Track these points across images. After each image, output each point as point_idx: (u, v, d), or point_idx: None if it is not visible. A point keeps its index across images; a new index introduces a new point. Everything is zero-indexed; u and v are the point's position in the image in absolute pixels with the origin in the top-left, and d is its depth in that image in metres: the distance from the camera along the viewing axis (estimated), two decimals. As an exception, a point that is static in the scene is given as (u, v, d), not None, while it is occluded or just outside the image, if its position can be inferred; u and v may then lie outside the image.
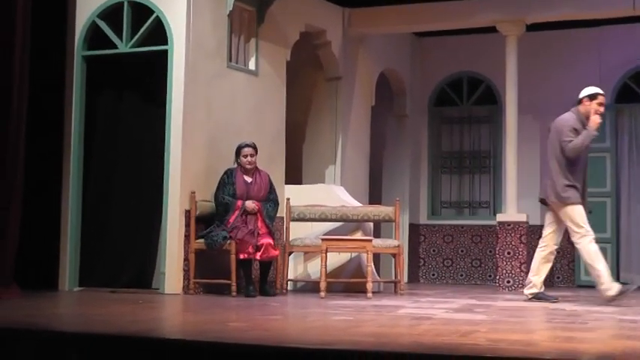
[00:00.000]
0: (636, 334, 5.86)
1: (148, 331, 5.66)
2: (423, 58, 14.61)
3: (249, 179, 9.87)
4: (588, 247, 9.09)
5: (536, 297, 9.38)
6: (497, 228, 12.11)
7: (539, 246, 9.55)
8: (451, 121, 14.65)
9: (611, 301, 8.87)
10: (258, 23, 10.88)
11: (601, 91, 9.51)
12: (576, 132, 9.25)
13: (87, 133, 10.21)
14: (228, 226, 9.58)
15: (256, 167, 9.98)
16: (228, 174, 9.85)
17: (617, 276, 13.47)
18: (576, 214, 9.14)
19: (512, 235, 12.00)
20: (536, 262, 9.50)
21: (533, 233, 13.31)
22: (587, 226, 9.14)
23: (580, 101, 9.47)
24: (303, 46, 11.97)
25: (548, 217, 9.50)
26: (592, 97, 9.40)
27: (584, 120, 9.32)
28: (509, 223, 12.04)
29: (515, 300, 9.65)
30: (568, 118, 9.42)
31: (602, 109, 9.38)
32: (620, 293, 8.90)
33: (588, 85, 12.99)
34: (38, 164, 9.75)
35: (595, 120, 9.23)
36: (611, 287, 8.97)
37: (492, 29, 12.53)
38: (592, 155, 13.55)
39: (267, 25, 10.98)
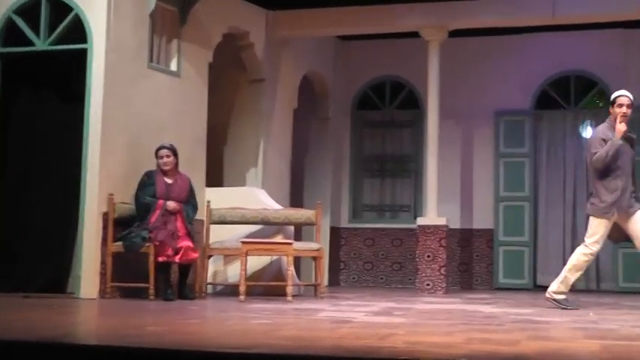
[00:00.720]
0: (550, 335, 5.94)
1: (61, 337, 5.57)
2: (346, 61, 14.66)
3: (169, 181, 9.81)
4: (581, 257, 8.98)
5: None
6: (418, 231, 12.19)
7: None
8: (373, 125, 14.72)
9: (549, 300, 8.91)
10: (181, 24, 10.83)
11: (621, 93, 8.96)
12: (605, 142, 8.77)
13: (2, 132, 10.06)
14: (149, 225, 9.51)
15: (177, 170, 9.92)
16: (149, 175, 9.78)
17: (534, 279, 13.69)
18: (593, 226, 8.93)
19: (432, 238, 12.10)
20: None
21: (453, 237, 13.47)
22: (597, 243, 8.90)
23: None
24: (226, 47, 11.95)
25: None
26: (612, 101, 8.96)
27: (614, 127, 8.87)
28: (429, 227, 12.13)
29: (434, 303, 9.71)
30: (599, 129, 9.02)
31: (624, 110, 8.79)
32: (561, 304, 8.89)
33: (509, 92, 13.24)
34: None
35: (619, 128, 8.74)
36: (563, 294, 8.97)
37: (415, 34, 12.63)
38: (511, 160, 13.85)
39: (190, 25, 10.93)
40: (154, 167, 9.87)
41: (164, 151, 9.84)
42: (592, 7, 11.95)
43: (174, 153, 9.88)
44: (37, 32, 9.94)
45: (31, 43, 9.98)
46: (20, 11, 10.00)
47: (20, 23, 9.99)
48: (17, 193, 10.03)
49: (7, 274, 9.79)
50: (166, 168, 9.80)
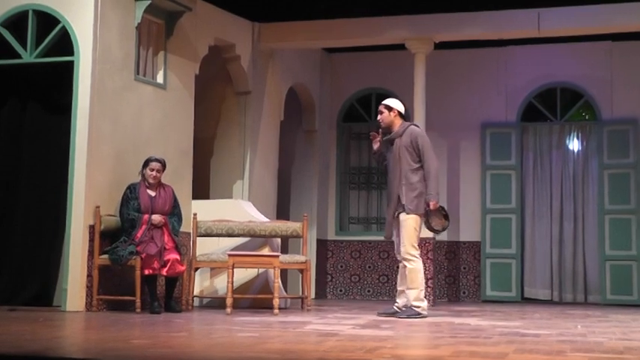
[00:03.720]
0: (538, 348, 5.94)
1: (46, 350, 5.55)
2: (332, 73, 14.69)
3: (152, 193, 9.80)
4: None
5: None
6: (405, 244, 12.16)
7: None
8: (360, 137, 14.73)
9: None
10: (167, 36, 10.83)
11: None
12: None
13: (-11, 145, 10.06)
14: (136, 240, 9.50)
15: (160, 182, 9.91)
16: (132, 189, 9.76)
17: (521, 291, 13.71)
18: None
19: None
20: None
21: (440, 249, 13.48)
22: None
23: None
24: (212, 60, 11.95)
25: None
26: None
27: None
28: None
29: (421, 316, 9.70)
30: None
31: None
32: None
33: (495, 104, 13.21)
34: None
35: None
36: None
37: (401, 47, 12.67)
38: (498, 173, 13.88)
39: (176, 38, 10.93)
40: (137, 177, 9.87)
41: (155, 164, 9.83)
42: (577, 20, 12.00)
43: (164, 167, 9.89)
44: (24, 45, 9.91)
45: (18, 56, 9.95)
46: (7, 24, 9.98)
47: (7, 36, 9.97)
48: (2, 205, 10.00)
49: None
50: (153, 181, 9.80)
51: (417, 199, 9.25)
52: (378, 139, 9.61)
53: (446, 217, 9.43)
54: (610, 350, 5.90)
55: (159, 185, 9.89)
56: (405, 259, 9.27)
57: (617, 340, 6.72)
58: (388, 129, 9.54)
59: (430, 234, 12.08)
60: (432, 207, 9.24)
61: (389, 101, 9.64)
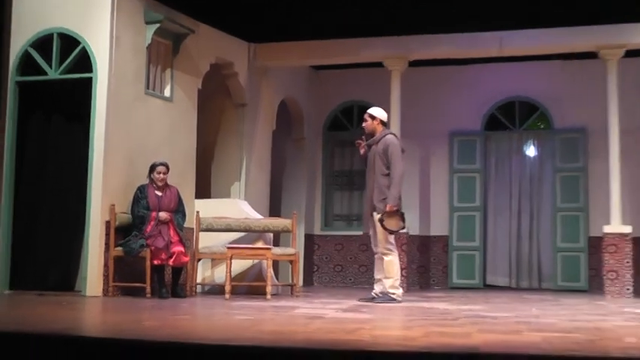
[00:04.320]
0: (498, 329, 5.97)
1: (69, 330, 5.58)
2: (319, 88, 14.68)
3: (159, 193, 9.83)
4: None
5: None
6: (382, 237, 12.17)
7: None
8: (343, 144, 14.71)
9: None
10: (174, 55, 10.85)
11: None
12: None
13: (19, 150, 10.05)
14: (145, 234, 9.53)
15: (166, 183, 9.94)
16: (141, 189, 9.80)
17: (484, 279, 13.76)
18: None
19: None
20: None
21: (413, 242, 13.51)
22: None
23: None
24: (213, 76, 11.94)
25: None
26: None
27: None
28: (391, 232, 12.10)
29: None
30: None
31: None
32: None
33: (462, 115, 13.24)
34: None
35: None
36: None
37: (379, 64, 12.67)
38: (464, 175, 13.91)
39: (182, 57, 10.95)
40: (145, 181, 9.91)
41: (161, 168, 9.87)
42: (534, 41, 12.03)
43: (168, 169, 9.93)
44: (49, 63, 9.95)
45: (44, 73, 10.00)
46: (35, 45, 10.03)
47: (35, 55, 10.01)
48: (32, 204, 10.02)
49: (24, 275, 9.80)
50: (161, 183, 9.84)
51: (384, 200, 9.25)
52: (363, 144, 9.61)
53: (402, 219, 9.27)
54: (560, 330, 5.95)
55: (165, 186, 9.92)
56: (383, 253, 9.30)
57: (566, 321, 6.77)
58: (371, 135, 9.55)
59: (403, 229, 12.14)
60: (387, 209, 9.13)
61: (373, 110, 9.63)
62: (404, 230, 11.95)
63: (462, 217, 13.89)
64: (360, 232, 14.20)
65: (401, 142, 9.61)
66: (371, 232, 9.40)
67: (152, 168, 9.88)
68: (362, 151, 9.61)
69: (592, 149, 13.37)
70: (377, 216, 9.21)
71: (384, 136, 9.43)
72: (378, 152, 9.34)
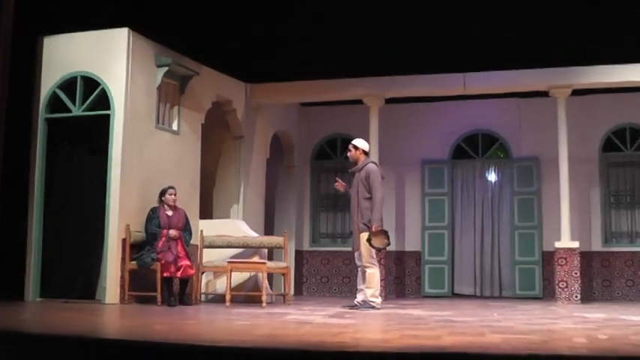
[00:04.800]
0: (465, 331, 5.98)
1: (90, 332, 5.60)
2: (307, 122, 14.69)
3: (169, 213, 9.87)
4: None
5: None
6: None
7: None
8: (328, 171, 14.69)
9: None
10: (180, 94, 10.89)
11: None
12: None
13: (47, 178, 10.07)
14: (157, 249, 9.55)
15: (175, 205, 9.97)
16: (153, 210, 9.83)
17: (452, 288, 13.75)
18: None
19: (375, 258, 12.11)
20: None
21: (390, 256, 13.50)
22: None
23: None
24: (214, 112, 11.97)
25: None
26: None
27: None
28: (378, 250, 12.08)
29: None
30: None
31: None
32: None
33: (432, 146, 13.22)
34: (10, 200, 9.63)
35: None
36: None
37: (360, 101, 12.70)
38: (434, 198, 13.93)
39: (187, 95, 10.99)
40: (156, 204, 9.93)
41: (172, 190, 9.94)
42: (493, 81, 12.12)
43: (176, 192, 9.98)
44: (73, 101, 10.00)
45: (68, 110, 10.04)
46: (62, 86, 10.08)
47: (62, 95, 10.06)
48: (59, 223, 10.02)
49: (52, 285, 9.79)
50: (172, 204, 9.88)
51: (368, 222, 9.23)
52: (341, 184, 9.64)
53: (387, 237, 9.24)
54: (519, 332, 5.96)
55: (174, 207, 9.96)
56: (366, 266, 9.31)
57: (523, 325, 6.78)
58: (354, 163, 9.59)
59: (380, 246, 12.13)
60: (373, 229, 9.13)
61: (356, 141, 9.65)
62: (389, 247, 12.00)
63: (433, 235, 13.89)
64: (345, 248, 14.28)
65: (381, 169, 9.64)
66: (356, 249, 9.37)
67: (163, 192, 9.93)
68: (342, 190, 9.63)
69: (544, 175, 13.43)
70: (360, 235, 9.21)
71: (366, 164, 9.45)
72: (361, 179, 9.37)
